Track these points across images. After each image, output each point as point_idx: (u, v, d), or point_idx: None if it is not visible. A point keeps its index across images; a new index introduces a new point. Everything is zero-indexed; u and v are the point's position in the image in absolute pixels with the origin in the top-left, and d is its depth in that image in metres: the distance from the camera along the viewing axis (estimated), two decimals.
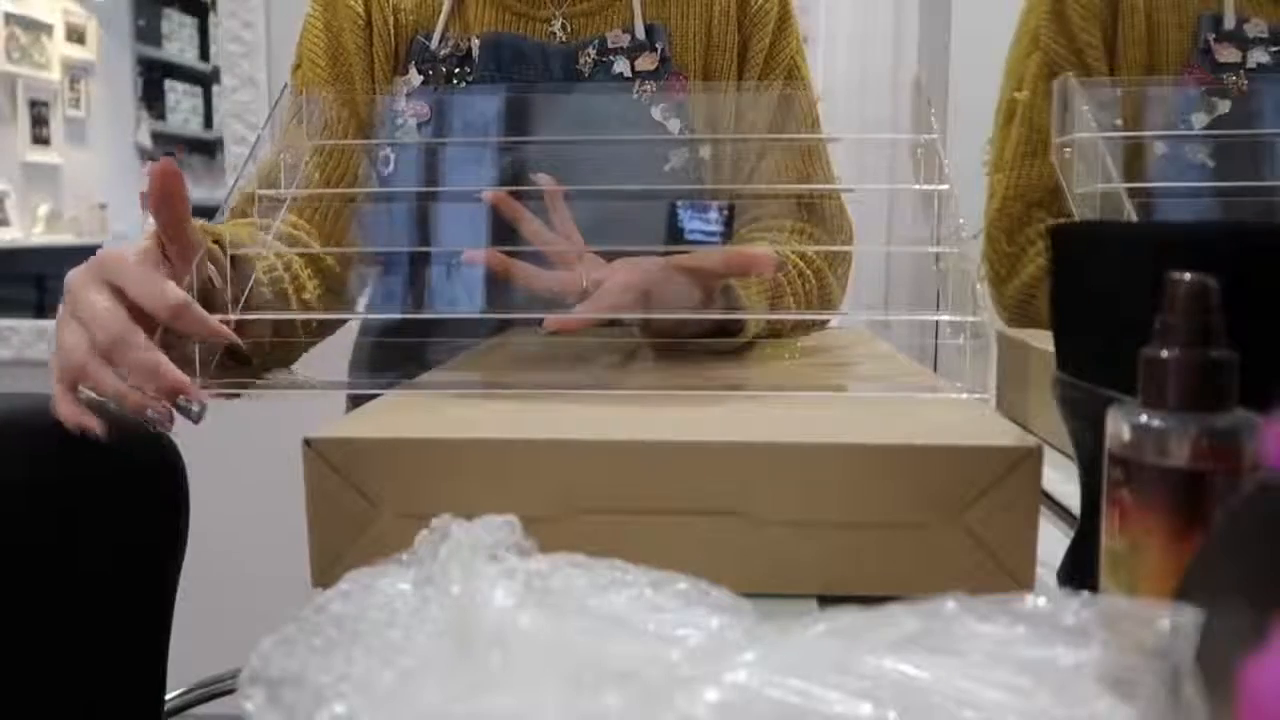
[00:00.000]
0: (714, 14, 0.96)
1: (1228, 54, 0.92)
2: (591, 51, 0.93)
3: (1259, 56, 0.92)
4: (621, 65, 0.93)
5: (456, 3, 0.94)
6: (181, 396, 0.56)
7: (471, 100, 0.92)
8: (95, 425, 0.57)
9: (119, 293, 0.57)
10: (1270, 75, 0.92)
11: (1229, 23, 0.93)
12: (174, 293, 0.57)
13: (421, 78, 0.93)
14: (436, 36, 0.93)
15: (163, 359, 0.56)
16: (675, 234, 0.88)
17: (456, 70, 0.92)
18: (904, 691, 0.26)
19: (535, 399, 0.59)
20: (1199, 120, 0.91)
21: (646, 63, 0.93)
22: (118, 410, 0.57)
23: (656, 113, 0.92)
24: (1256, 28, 0.93)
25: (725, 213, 0.91)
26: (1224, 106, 0.91)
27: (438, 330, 0.89)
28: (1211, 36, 0.93)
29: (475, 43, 0.92)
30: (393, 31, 0.95)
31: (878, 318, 1.49)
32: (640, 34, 0.93)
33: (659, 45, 0.93)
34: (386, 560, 0.35)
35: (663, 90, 0.92)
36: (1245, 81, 0.92)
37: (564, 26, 0.94)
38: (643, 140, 0.91)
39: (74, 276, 0.58)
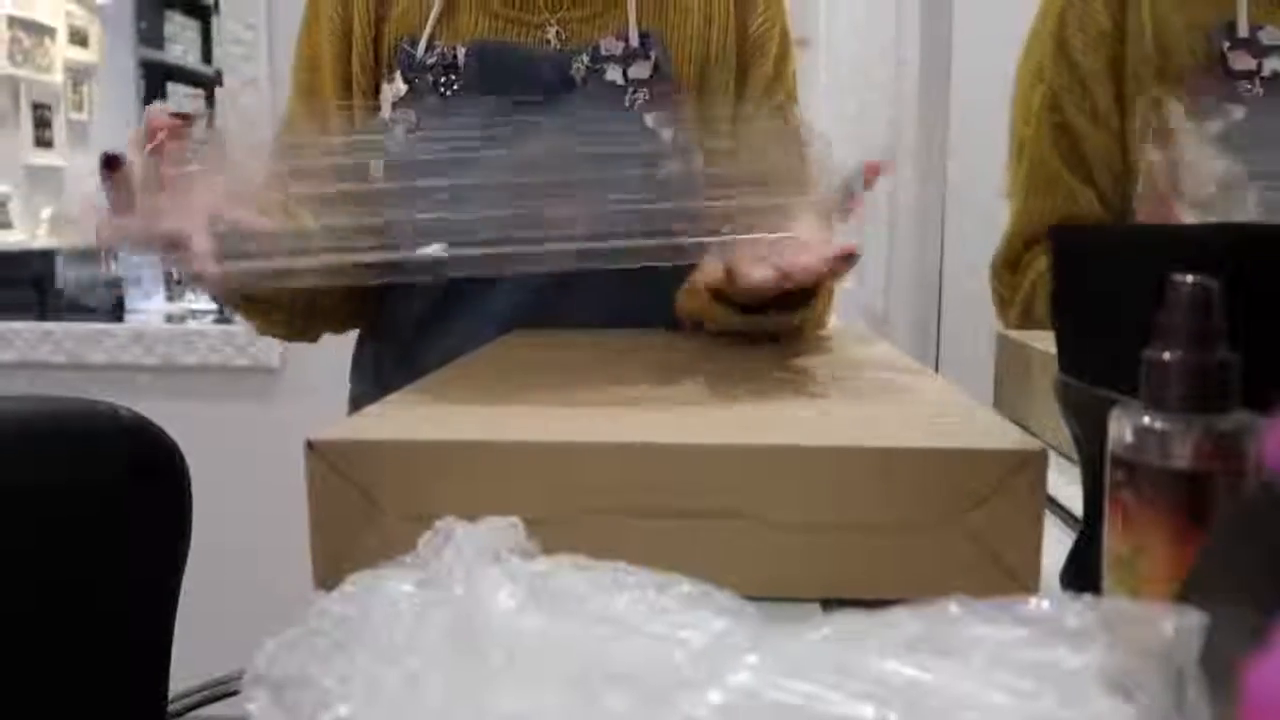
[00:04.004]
0: (713, 30, 0.95)
1: (1243, 61, 0.91)
2: (584, 59, 0.92)
3: (1274, 64, 0.91)
4: (614, 73, 0.92)
5: (445, 9, 0.93)
6: None
7: (459, 109, 0.90)
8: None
9: None
10: None
11: (1243, 30, 0.92)
12: None
13: (407, 86, 0.92)
14: (423, 44, 0.92)
15: None
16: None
17: (443, 79, 0.91)
18: (907, 694, 0.26)
19: (538, 401, 0.59)
20: (1214, 128, 0.90)
21: (640, 70, 0.92)
22: None
23: (649, 120, 0.91)
24: (1271, 35, 0.92)
25: None
26: (1239, 114, 0.91)
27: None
28: (1225, 45, 0.92)
29: (461, 51, 0.91)
30: (373, 39, 0.94)
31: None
32: (634, 41, 0.93)
33: (653, 53, 0.92)
34: (390, 562, 0.35)
35: (656, 98, 0.92)
36: (1261, 90, 0.91)
37: (558, 34, 0.93)
38: (635, 152, 0.90)
39: None
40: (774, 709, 0.26)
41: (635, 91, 0.91)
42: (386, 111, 0.92)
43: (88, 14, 3.36)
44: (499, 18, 0.93)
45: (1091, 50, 0.97)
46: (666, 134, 0.91)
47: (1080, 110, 0.97)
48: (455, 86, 0.91)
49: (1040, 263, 1.00)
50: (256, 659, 0.30)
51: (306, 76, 0.96)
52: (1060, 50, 0.98)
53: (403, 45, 0.92)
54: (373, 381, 0.98)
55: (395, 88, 0.92)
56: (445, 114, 0.90)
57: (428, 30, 0.92)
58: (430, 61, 0.91)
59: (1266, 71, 0.91)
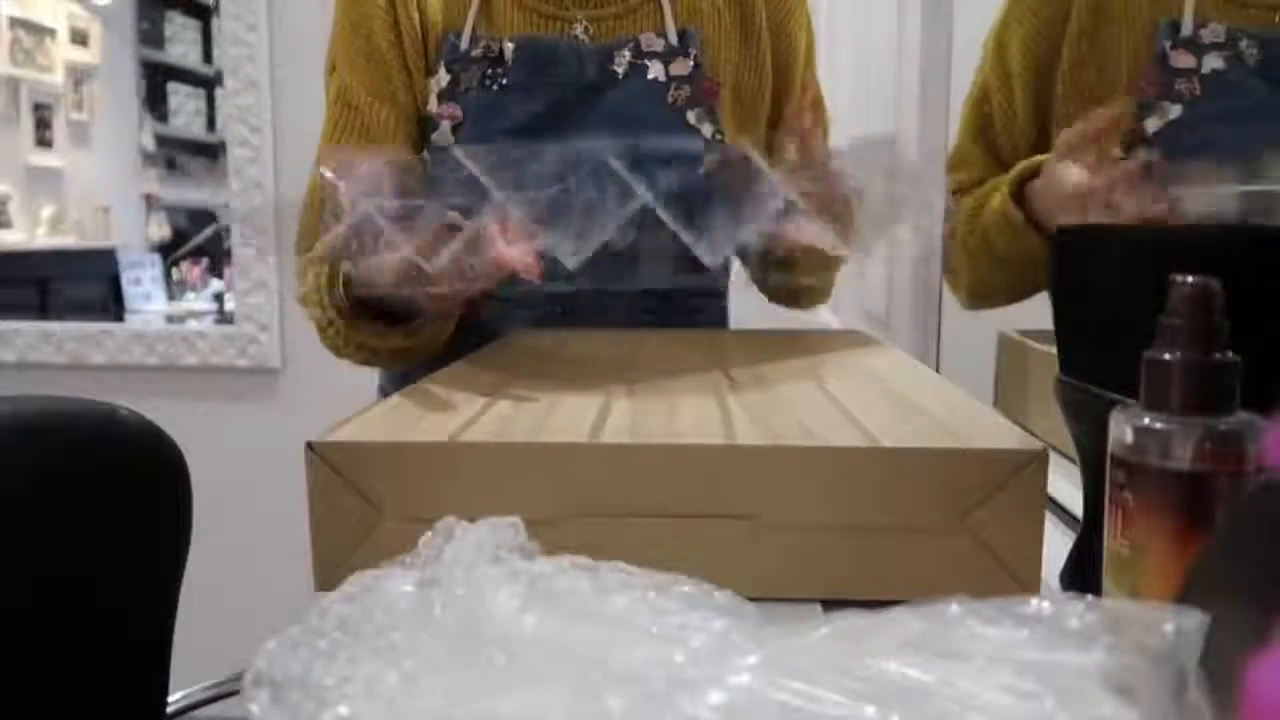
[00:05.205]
0: (746, 28, 0.96)
1: (1183, 60, 0.92)
2: (626, 54, 0.93)
3: (1213, 62, 0.91)
4: (656, 69, 0.93)
5: (483, 2, 0.94)
6: None
7: (507, 103, 0.91)
8: None
9: None
10: (1223, 79, 0.91)
11: (1186, 29, 0.93)
12: None
13: (449, 77, 0.92)
14: (466, 36, 0.93)
15: None
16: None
17: (489, 72, 0.92)
18: (907, 694, 0.26)
19: (538, 401, 0.59)
20: (1151, 125, 0.91)
21: (680, 68, 0.93)
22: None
23: (691, 117, 0.93)
24: (1213, 33, 0.92)
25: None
26: (1175, 111, 0.91)
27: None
28: (1168, 44, 0.93)
29: (509, 46, 0.92)
30: (420, 30, 0.94)
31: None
32: (673, 39, 0.94)
33: (692, 51, 0.93)
34: (390, 562, 0.35)
35: (696, 94, 0.93)
36: (1199, 88, 0.91)
37: (586, 29, 0.94)
38: (677, 144, 0.90)
39: None
40: (775, 709, 0.26)
41: (678, 88, 0.92)
42: (432, 106, 0.92)
43: (88, 14, 3.36)
44: (532, 11, 0.94)
45: (1024, 54, 1.00)
46: (707, 129, 0.92)
47: (1002, 108, 1.03)
48: (503, 80, 0.91)
49: (964, 203, 1.06)
50: (256, 659, 0.30)
51: (365, 66, 0.93)
52: (997, 50, 1.03)
53: (448, 38, 0.93)
54: (404, 378, 0.98)
55: (438, 79, 0.92)
56: (494, 109, 0.90)
57: (470, 21, 0.92)
58: (476, 54, 0.91)
59: (1205, 69, 0.91)
